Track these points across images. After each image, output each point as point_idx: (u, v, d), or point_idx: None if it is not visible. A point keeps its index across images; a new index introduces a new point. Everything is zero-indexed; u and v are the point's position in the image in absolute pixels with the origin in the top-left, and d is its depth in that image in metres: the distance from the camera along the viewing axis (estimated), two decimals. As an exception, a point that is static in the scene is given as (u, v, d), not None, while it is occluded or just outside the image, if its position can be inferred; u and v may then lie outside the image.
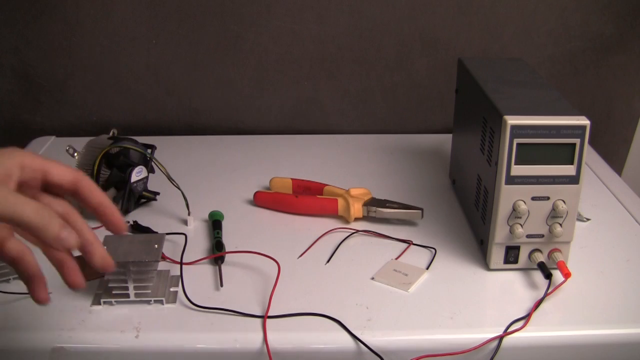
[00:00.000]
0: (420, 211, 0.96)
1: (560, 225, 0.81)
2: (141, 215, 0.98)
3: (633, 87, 1.31)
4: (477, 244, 0.91)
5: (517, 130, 0.78)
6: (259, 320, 0.75)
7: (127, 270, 0.76)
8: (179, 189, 0.96)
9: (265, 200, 1.02)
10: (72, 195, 0.61)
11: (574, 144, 0.78)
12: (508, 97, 0.85)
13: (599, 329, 0.76)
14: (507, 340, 0.74)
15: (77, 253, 0.89)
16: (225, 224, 0.95)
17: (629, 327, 0.76)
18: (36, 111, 1.30)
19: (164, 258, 0.86)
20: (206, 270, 0.86)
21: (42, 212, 0.54)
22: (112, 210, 0.61)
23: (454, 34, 1.25)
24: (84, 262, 0.85)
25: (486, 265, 0.86)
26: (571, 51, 1.27)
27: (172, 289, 0.81)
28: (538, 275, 0.83)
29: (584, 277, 0.84)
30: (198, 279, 0.83)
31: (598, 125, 1.32)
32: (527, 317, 0.76)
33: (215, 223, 0.94)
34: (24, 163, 0.57)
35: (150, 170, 1.00)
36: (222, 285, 0.82)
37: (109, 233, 0.64)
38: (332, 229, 0.95)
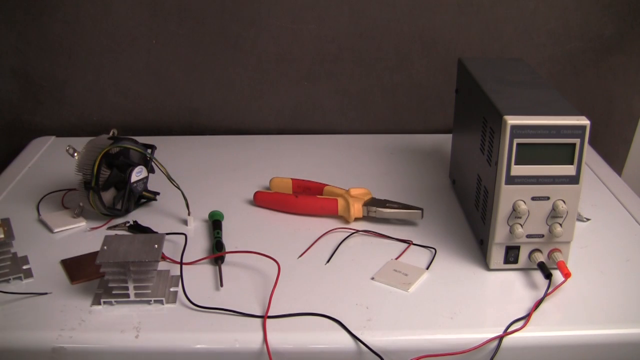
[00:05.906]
0: (420, 211, 0.96)
1: (560, 225, 0.81)
2: (141, 215, 0.98)
3: (633, 87, 1.31)
4: (477, 244, 0.91)
5: (517, 130, 0.78)
6: (259, 320, 0.75)
7: (127, 270, 0.76)
8: (179, 189, 0.96)
9: (265, 200, 1.02)
10: None
11: (574, 144, 0.78)
12: (508, 97, 0.85)
13: (599, 329, 0.76)
14: (507, 340, 0.74)
15: (74, 254, 0.89)
16: (225, 224, 0.95)
17: (629, 327, 0.76)
18: (36, 111, 1.30)
19: (164, 258, 0.86)
20: (206, 270, 0.86)
21: None
22: None
23: (454, 34, 1.25)
24: (84, 262, 0.85)
25: (486, 265, 0.86)
26: (571, 51, 1.27)
27: (172, 289, 0.81)
28: (538, 275, 0.83)
29: (584, 277, 0.84)
30: (198, 279, 0.83)
31: (598, 125, 1.32)
32: (527, 317, 0.76)
33: (215, 223, 0.94)
34: None
35: (150, 170, 1.00)
36: (222, 285, 0.82)
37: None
38: (332, 229, 0.95)
